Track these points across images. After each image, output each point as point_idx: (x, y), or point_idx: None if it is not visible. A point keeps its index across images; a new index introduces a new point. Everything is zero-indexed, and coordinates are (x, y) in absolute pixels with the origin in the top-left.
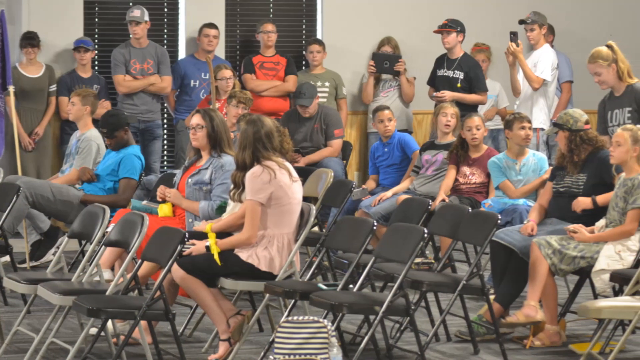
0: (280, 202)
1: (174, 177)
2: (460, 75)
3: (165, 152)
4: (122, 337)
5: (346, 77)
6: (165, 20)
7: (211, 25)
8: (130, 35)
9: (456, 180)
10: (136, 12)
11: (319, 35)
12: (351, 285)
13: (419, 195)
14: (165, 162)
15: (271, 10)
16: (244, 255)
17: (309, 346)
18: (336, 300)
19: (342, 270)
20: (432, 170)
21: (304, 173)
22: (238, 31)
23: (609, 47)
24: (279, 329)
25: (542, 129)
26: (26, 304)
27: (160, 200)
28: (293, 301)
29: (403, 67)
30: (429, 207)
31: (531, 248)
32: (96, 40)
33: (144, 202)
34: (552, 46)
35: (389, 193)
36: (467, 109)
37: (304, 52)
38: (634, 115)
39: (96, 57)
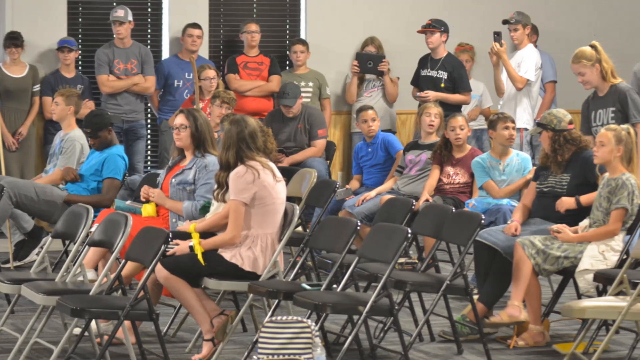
0: (264, 202)
1: (158, 177)
2: (444, 75)
3: (148, 152)
4: (105, 337)
5: (330, 77)
6: (149, 20)
7: (195, 25)
8: (114, 35)
9: (440, 180)
10: (120, 12)
11: (302, 36)
12: (335, 285)
13: (403, 195)
14: (149, 162)
15: (255, 10)
16: (227, 255)
17: (292, 346)
18: (320, 300)
19: (326, 270)
20: (415, 170)
21: (287, 173)
22: (222, 31)
23: (593, 47)
24: (263, 329)
25: (526, 129)
26: (10, 304)
27: (143, 200)
28: (277, 301)
29: (387, 67)
30: (413, 207)
31: (515, 248)
32: (80, 40)
33: (128, 202)
34: (535, 46)
35: (373, 193)
36: (450, 109)
37: (287, 52)
38: (617, 115)
39: (80, 57)
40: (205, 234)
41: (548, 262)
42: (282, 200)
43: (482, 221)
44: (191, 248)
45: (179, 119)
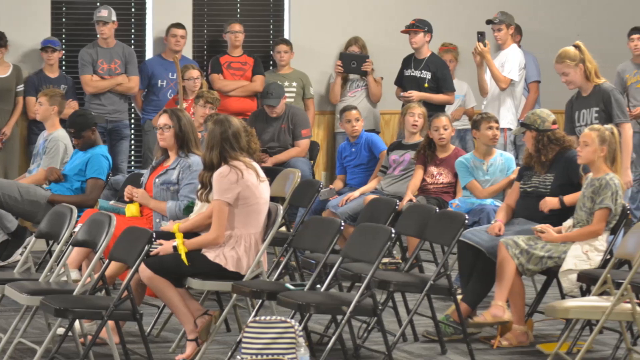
0: (248, 202)
1: (142, 177)
2: (427, 75)
3: (132, 152)
4: (89, 337)
5: (313, 77)
6: (133, 20)
7: (178, 25)
8: (98, 35)
9: (423, 180)
10: (103, 12)
11: (286, 35)
12: (318, 285)
13: (387, 195)
14: (132, 162)
15: (238, 10)
16: (211, 255)
17: (276, 346)
18: (303, 300)
19: (310, 270)
20: (399, 170)
21: (271, 173)
22: (205, 31)
23: (577, 47)
24: (247, 329)
25: (510, 129)
26: None
27: (127, 200)
28: (260, 301)
29: (370, 67)
30: (397, 207)
31: (498, 248)
32: (64, 40)
33: (112, 202)
34: (519, 46)
35: (357, 193)
36: (434, 109)
37: (271, 52)
38: (601, 115)
39: (63, 57)
40: (189, 234)
41: (532, 262)
42: (265, 200)
43: (466, 221)
44: (175, 248)
45: (163, 119)
